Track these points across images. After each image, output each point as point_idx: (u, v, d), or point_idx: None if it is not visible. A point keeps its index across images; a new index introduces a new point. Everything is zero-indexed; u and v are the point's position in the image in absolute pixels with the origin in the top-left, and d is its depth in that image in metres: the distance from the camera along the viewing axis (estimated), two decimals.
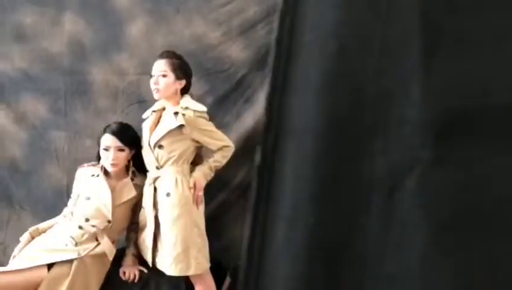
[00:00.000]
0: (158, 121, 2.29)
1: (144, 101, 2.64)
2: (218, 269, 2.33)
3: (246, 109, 2.63)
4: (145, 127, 2.29)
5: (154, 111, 2.32)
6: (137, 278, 2.26)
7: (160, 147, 2.18)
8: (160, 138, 2.17)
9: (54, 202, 2.67)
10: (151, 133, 2.24)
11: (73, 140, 2.71)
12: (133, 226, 2.36)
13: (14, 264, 2.15)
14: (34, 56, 2.68)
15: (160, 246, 2.19)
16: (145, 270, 2.28)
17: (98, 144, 2.30)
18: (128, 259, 2.31)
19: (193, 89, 2.36)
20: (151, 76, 2.24)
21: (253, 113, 2.61)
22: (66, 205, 2.47)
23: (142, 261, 2.31)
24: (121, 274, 2.27)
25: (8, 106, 2.72)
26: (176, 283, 2.25)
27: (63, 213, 2.38)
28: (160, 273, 2.22)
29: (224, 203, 2.62)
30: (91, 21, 2.65)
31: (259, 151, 1.36)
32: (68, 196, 2.61)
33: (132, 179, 2.32)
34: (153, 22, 2.63)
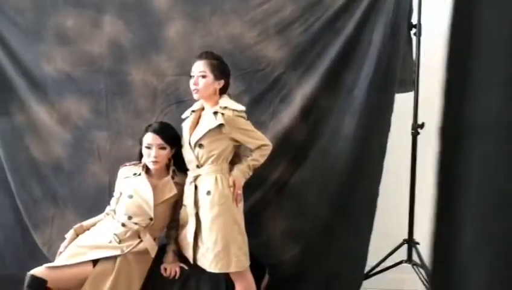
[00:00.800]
0: (197, 121, 2.33)
1: (182, 102, 2.69)
2: (257, 267, 2.35)
3: (282, 108, 2.66)
4: (185, 127, 2.34)
5: (193, 111, 2.36)
6: (178, 274, 2.31)
7: (201, 146, 2.22)
8: (201, 137, 2.21)
9: (96, 200, 2.74)
10: (191, 133, 2.28)
11: (114, 140, 2.77)
12: (173, 223, 2.41)
13: (60, 260, 2.22)
14: (75, 58, 2.74)
15: (201, 243, 2.23)
16: (186, 267, 2.33)
17: (140, 143, 2.36)
18: (169, 256, 2.36)
19: (230, 88, 2.38)
20: (190, 76, 2.28)
21: (289, 112, 2.64)
22: (108, 203, 2.54)
23: (182, 258, 2.36)
24: (162, 271, 2.32)
25: (52, 106, 2.79)
26: (216, 279, 2.28)
27: (106, 211, 2.45)
28: (201, 270, 2.26)
29: (261, 201, 2.65)
30: (130, 23, 2.70)
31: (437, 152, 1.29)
32: (110, 194, 2.68)
33: (173, 178, 2.36)
34: (190, 23, 2.67)
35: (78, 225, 2.40)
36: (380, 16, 2.54)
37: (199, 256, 2.24)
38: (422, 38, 2.63)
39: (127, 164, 2.46)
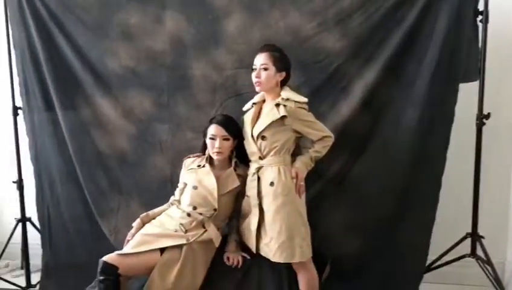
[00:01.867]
0: (259, 113, 2.36)
1: (241, 95, 2.72)
2: (318, 258, 2.36)
3: (342, 99, 2.63)
4: (247, 119, 2.37)
5: (254, 103, 2.39)
6: (240, 263, 2.36)
7: (263, 138, 2.24)
8: (263, 129, 2.23)
9: (159, 191, 2.83)
10: (253, 125, 2.31)
11: (175, 132, 2.84)
12: (235, 214, 2.46)
13: (128, 248, 2.30)
14: (139, 54, 2.82)
15: (264, 233, 2.26)
16: (248, 257, 2.37)
17: (204, 135, 2.42)
18: (231, 245, 2.42)
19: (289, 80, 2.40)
20: (252, 70, 2.30)
21: (349, 104, 2.61)
22: (169, 193, 2.61)
23: (243, 247, 2.41)
24: (225, 259, 2.38)
25: (116, 101, 2.88)
26: (277, 269, 2.32)
27: (170, 201, 2.53)
28: (263, 260, 2.30)
29: (320, 193, 2.65)
30: (191, 18, 2.74)
31: None
32: (172, 185, 2.77)
33: (235, 170, 2.41)
34: (249, 16, 2.68)
35: (144, 214, 2.48)
36: (444, 2, 2.46)
37: (262, 246, 2.28)
38: (489, 25, 2.54)
39: (191, 155, 2.53)
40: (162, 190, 2.82)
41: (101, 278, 2.17)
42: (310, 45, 2.63)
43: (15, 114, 3.02)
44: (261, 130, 2.24)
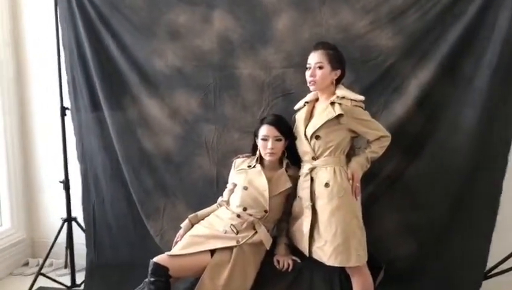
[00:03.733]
0: (311, 112, 2.29)
1: (288, 94, 2.67)
2: (372, 261, 2.27)
3: (395, 98, 2.54)
4: (299, 118, 2.31)
5: (307, 102, 2.33)
6: (291, 267, 2.29)
7: (318, 137, 2.18)
8: (318, 129, 2.17)
9: (204, 191, 2.80)
10: (306, 124, 2.24)
11: (221, 133, 2.80)
12: (284, 216, 2.40)
13: (177, 249, 2.25)
14: (186, 53, 2.80)
15: (318, 236, 2.18)
16: (299, 260, 2.31)
17: (255, 136, 2.37)
18: (281, 248, 2.35)
19: None
20: (306, 68, 2.24)
21: (403, 103, 2.53)
22: (215, 194, 2.58)
23: (293, 250, 2.34)
24: (275, 263, 2.32)
25: (163, 101, 2.86)
26: (330, 273, 2.24)
27: (218, 202, 2.49)
28: (314, 263, 2.23)
29: (372, 195, 2.56)
30: (239, 17, 2.71)
31: None
32: (218, 186, 2.74)
33: (286, 171, 2.35)
34: (299, 14, 2.62)
35: (192, 215, 2.45)
36: None
37: (315, 249, 2.21)
38: None
39: (240, 155, 2.48)
40: (208, 190, 2.80)
41: (152, 279, 2.13)
42: (361, 42, 2.56)
43: (63, 114, 3.03)
44: (315, 129, 2.17)
